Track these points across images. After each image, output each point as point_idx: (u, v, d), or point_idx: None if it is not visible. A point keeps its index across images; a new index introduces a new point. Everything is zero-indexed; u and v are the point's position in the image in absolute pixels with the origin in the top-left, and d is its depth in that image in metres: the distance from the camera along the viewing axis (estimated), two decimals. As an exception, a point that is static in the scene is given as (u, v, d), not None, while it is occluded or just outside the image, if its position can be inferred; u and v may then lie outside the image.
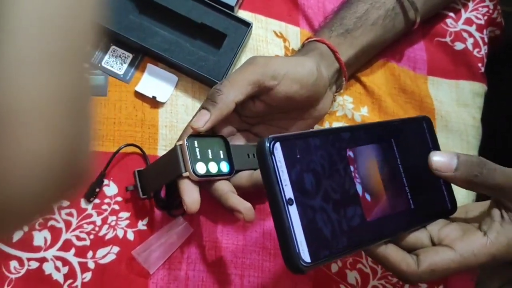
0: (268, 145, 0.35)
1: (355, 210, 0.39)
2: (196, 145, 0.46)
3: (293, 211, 0.35)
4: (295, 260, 0.34)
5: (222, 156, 0.48)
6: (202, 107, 0.47)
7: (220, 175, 0.47)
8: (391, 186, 0.42)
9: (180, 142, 0.46)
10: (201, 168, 0.46)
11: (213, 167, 0.47)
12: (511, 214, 0.41)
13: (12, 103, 0.23)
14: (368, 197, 0.40)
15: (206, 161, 0.47)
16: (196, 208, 0.45)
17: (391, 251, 0.40)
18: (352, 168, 0.39)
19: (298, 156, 0.36)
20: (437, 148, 0.46)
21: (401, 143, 0.43)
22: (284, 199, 0.35)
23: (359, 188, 0.39)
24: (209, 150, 0.47)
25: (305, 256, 0.34)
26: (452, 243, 0.41)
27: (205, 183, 0.48)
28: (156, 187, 0.50)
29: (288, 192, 0.35)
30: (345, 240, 0.37)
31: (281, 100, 0.49)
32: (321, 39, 0.55)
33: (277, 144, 0.35)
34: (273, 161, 0.35)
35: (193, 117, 0.48)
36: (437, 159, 0.41)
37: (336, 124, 0.59)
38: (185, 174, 0.46)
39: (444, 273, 0.41)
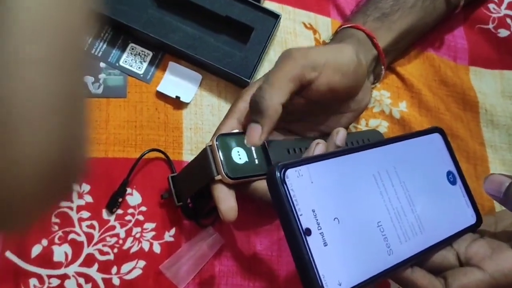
0: (278, 174, 0.32)
1: (377, 236, 0.36)
2: (227, 144, 0.42)
3: (312, 242, 0.32)
4: None
5: (257, 153, 0.44)
6: (251, 121, 0.43)
7: (256, 175, 0.43)
8: (410, 207, 0.39)
9: (210, 143, 0.42)
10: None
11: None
12: None
13: (5, 104, 0.22)
14: (389, 221, 0.37)
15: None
16: (234, 216, 0.41)
17: (418, 275, 0.38)
18: (370, 190, 0.36)
19: (312, 182, 0.33)
20: (454, 158, 0.44)
21: (412, 161, 0.40)
22: (301, 230, 0.32)
23: (378, 212, 0.36)
24: (242, 148, 0.43)
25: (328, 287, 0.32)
26: (480, 262, 0.39)
27: (241, 185, 0.43)
28: (189, 193, 0.46)
29: (305, 222, 0.32)
30: (368, 268, 0.34)
31: (323, 93, 0.44)
32: (356, 25, 0.50)
33: (288, 172, 0.32)
34: (286, 190, 0.32)
35: (222, 121, 0.44)
36: (486, 184, 0.41)
37: (373, 122, 0.54)
38: (218, 177, 0.42)
39: None
